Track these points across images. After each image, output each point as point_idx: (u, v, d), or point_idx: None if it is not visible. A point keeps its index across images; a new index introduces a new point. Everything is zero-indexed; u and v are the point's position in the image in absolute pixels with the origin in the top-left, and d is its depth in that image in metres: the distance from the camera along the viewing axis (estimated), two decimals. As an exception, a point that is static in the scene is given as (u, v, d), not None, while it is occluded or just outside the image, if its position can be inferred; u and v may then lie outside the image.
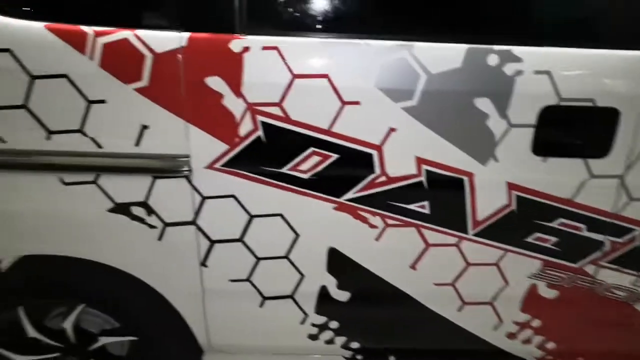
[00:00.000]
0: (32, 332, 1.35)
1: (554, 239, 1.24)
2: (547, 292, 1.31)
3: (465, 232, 1.23)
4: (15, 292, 1.33)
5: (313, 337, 1.37)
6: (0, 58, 1.06)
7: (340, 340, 1.38)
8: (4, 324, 1.36)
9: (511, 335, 1.38)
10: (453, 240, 1.23)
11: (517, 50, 1.09)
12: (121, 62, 1.07)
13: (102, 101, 1.09)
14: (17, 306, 1.33)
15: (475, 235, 1.23)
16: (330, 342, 1.38)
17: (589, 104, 1.10)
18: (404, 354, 1.44)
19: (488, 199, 1.19)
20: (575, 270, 1.28)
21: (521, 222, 1.21)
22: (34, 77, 1.07)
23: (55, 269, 1.29)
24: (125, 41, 1.06)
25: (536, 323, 1.36)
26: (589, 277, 1.29)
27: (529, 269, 1.28)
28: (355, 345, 1.40)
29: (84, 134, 1.12)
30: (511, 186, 1.18)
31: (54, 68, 1.07)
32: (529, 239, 1.24)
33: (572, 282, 1.30)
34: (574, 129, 1.14)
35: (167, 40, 1.07)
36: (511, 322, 1.36)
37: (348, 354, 1.42)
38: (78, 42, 1.06)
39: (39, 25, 1.06)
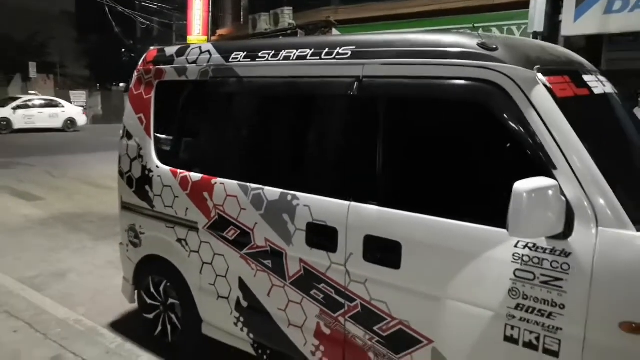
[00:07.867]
0: (152, 289, 3.20)
1: (322, 295, 2.31)
2: (325, 329, 2.33)
3: (286, 281, 2.44)
4: (147, 269, 3.23)
5: (235, 324, 2.73)
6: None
7: (245, 329, 2.69)
8: (145, 284, 3.26)
9: (312, 352, 2.39)
10: (281, 284, 2.46)
11: (298, 194, 2.36)
12: (183, 184, 2.87)
13: (177, 196, 2.91)
14: (148, 276, 3.21)
15: (290, 284, 2.42)
16: (242, 329, 2.71)
17: (323, 223, 2.25)
18: (273, 352, 2.61)
19: (293, 265, 2.40)
20: (334, 318, 2.28)
21: (306, 281, 2.35)
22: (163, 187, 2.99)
23: (158, 261, 3.12)
24: (186, 177, 2.87)
25: (322, 348, 2.35)
26: (341, 325, 2.26)
27: (314, 312, 2.35)
28: (251, 336, 2.68)
29: (172, 208, 2.94)
30: (301, 260, 2.36)
31: (166, 182, 2.96)
32: (311, 292, 2.34)
33: (334, 327, 2.28)
34: (318, 235, 2.27)
35: (197, 177, 2.82)
36: (311, 344, 2.39)
37: (250, 341, 2.70)
38: (183, 180, 2.93)
39: (167, 168, 2.99)
